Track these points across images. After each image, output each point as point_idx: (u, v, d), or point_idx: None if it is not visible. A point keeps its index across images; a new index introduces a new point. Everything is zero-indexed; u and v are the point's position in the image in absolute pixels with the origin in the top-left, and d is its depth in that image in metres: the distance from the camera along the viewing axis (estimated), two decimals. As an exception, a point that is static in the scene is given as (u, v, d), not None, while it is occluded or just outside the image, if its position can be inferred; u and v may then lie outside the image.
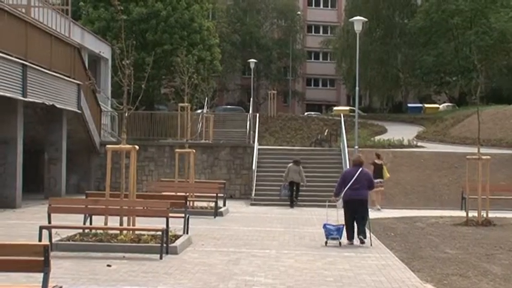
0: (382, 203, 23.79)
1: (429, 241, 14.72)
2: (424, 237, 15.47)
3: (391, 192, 25.98)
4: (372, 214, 20.04)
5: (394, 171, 26.82)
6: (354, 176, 13.94)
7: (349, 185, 13.89)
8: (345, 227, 14.06)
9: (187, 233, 13.92)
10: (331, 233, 13.94)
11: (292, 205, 24.18)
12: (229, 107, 59.19)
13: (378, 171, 23.27)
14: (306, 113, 62.30)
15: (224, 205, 21.55)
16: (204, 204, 20.65)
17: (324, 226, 14.11)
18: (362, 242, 13.86)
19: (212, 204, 20.05)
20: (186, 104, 22.80)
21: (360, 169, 14.10)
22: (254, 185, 26.22)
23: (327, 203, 15.17)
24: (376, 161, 23.80)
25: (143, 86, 13.51)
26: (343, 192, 13.97)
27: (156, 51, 37.43)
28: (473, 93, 47.72)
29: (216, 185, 21.62)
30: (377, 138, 36.62)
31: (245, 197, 27.17)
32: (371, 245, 13.82)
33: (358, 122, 30.68)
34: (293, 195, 24.36)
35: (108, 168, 12.55)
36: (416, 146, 33.17)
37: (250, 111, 40.82)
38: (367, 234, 13.97)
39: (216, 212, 19.66)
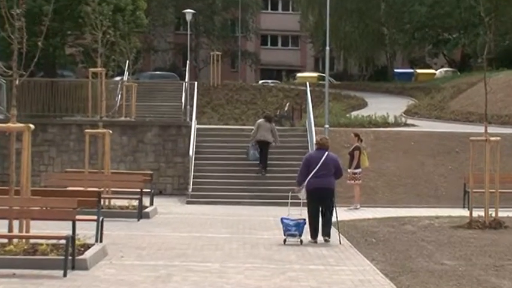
0: (360, 199, 24.02)
1: (421, 249, 14.90)
2: (415, 244, 15.66)
3: (372, 185, 26.00)
4: (347, 214, 20.52)
5: (376, 157, 26.80)
6: (319, 162, 15.34)
7: (313, 172, 15.30)
8: (308, 223, 15.43)
9: (101, 241, 13.98)
10: (288, 228, 15.29)
11: (264, 169, 26.42)
12: (158, 73, 58.93)
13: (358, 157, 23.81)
14: (260, 81, 62.72)
15: (151, 204, 21.56)
16: (124, 202, 20.69)
17: (282, 220, 15.44)
18: (326, 241, 15.45)
19: (135, 203, 20.09)
20: (100, 69, 22.58)
21: (326, 153, 15.58)
22: (191, 177, 26.16)
23: (290, 194, 15.87)
24: (358, 144, 24.02)
25: (40, 44, 13.29)
26: (306, 181, 15.36)
27: (58, -4, 36.86)
28: (480, 54, 48.18)
29: (140, 177, 21.63)
30: (354, 114, 36.54)
31: (179, 193, 27.09)
32: (340, 242, 15.32)
33: (329, 93, 30.65)
34: (264, 158, 26.55)
35: (-7, 155, 12.51)
36: (406, 125, 33.09)
37: (187, 79, 40.75)
38: (337, 235, 15.53)
39: (140, 213, 19.72)
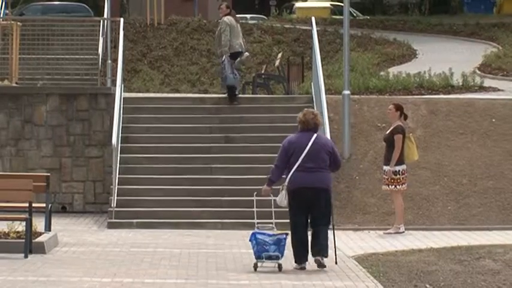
0: (404, 217, 22.84)
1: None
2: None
3: (425, 193, 24.68)
4: (384, 243, 20.37)
5: (432, 146, 25.69)
6: (305, 148, 15.84)
7: (297, 163, 15.80)
8: (291, 239, 16.02)
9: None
10: (265, 248, 15.68)
11: (233, 98, 26.62)
12: (57, 3, 58.64)
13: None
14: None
15: (48, 228, 20.77)
16: (2, 226, 19.88)
17: (253, 237, 15.83)
18: (321, 265, 15.77)
19: (20, 228, 19.46)
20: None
21: (315, 135, 16.03)
22: (116, 182, 24.43)
23: (254, 195, 16.59)
24: (401, 122, 22.37)
25: None
26: (288, 178, 15.89)
27: None
28: None
29: (27, 182, 20.55)
30: (393, 71, 34.61)
31: (96, 210, 25.99)
32: (336, 262, 16.22)
33: (351, 36, 30.03)
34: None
35: None
36: (482, 89, 31.22)
37: (107, 14, 38.78)
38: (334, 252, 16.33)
39: (29, 245, 18.90)
